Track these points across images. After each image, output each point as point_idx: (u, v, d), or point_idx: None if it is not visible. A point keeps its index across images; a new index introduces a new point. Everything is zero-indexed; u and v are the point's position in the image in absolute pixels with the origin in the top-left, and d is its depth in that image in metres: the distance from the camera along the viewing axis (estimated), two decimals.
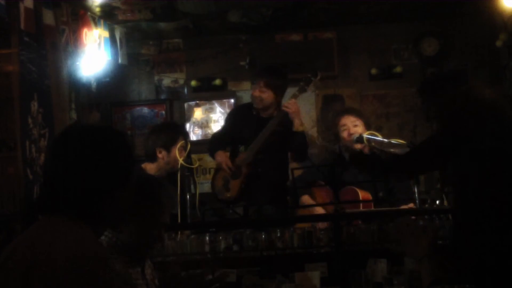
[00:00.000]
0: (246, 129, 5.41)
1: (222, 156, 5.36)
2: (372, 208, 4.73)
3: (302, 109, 7.06)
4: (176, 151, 4.75)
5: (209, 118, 7.42)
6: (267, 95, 5.36)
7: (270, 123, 5.30)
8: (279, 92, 5.42)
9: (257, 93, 5.37)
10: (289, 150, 5.47)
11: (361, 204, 4.74)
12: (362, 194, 4.75)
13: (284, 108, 5.27)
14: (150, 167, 4.80)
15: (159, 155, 4.79)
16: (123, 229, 2.78)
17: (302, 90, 5.33)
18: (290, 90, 5.46)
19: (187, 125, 7.33)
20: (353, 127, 5.03)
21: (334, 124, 5.19)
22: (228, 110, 7.04)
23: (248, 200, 5.19)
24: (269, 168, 5.29)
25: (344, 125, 5.07)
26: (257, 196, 5.19)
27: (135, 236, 2.80)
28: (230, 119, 5.63)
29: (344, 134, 5.05)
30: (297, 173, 4.99)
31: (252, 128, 5.37)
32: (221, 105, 7.40)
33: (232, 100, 7.35)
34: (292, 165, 5.39)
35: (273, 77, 5.41)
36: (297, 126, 5.27)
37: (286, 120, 5.36)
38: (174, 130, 4.89)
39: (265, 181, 5.26)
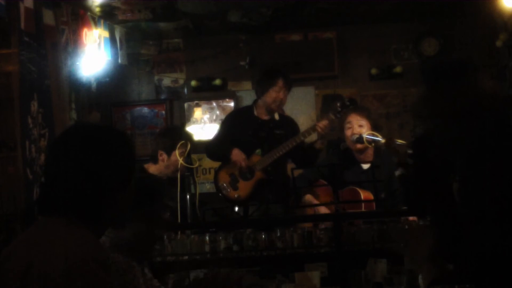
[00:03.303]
0: (248, 132, 5.40)
1: (239, 154, 5.28)
2: (374, 209, 4.73)
3: (302, 109, 7.10)
4: (175, 156, 4.77)
5: (209, 118, 7.42)
6: (285, 95, 5.42)
7: (296, 137, 5.27)
8: (289, 91, 5.48)
9: (281, 95, 5.37)
10: (297, 159, 5.43)
11: (362, 204, 4.75)
12: (363, 194, 4.75)
13: (317, 128, 5.24)
14: (152, 169, 4.83)
15: (160, 158, 4.82)
16: (126, 228, 2.81)
17: (337, 115, 5.23)
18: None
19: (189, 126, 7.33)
20: (358, 126, 5.02)
21: (341, 119, 5.18)
22: (229, 110, 7.03)
23: (255, 201, 5.21)
24: (275, 170, 5.33)
25: (350, 122, 5.06)
26: (265, 197, 5.21)
27: (139, 235, 2.82)
28: (230, 122, 5.57)
29: (348, 132, 5.06)
30: (297, 172, 4.99)
31: (256, 131, 5.39)
32: (221, 106, 7.40)
33: (232, 103, 7.34)
34: (292, 165, 5.40)
35: (288, 76, 5.46)
36: (318, 144, 5.32)
37: (289, 123, 5.47)
38: (177, 135, 4.89)
39: (273, 183, 5.31)
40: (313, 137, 5.50)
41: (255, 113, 5.48)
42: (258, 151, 5.35)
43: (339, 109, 5.24)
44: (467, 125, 2.92)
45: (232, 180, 5.36)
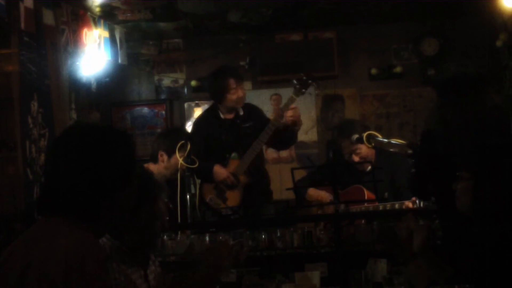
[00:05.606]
0: (219, 137, 5.32)
1: (223, 172, 5.19)
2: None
3: (302, 109, 7.08)
4: (176, 158, 4.74)
5: None
6: (243, 90, 5.34)
7: (264, 132, 5.17)
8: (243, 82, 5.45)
9: (239, 93, 5.27)
10: (276, 143, 5.41)
11: (365, 204, 4.74)
12: (368, 194, 4.75)
13: (289, 118, 5.11)
14: (151, 168, 4.80)
15: (160, 159, 4.81)
16: (122, 232, 2.79)
17: (299, 93, 5.17)
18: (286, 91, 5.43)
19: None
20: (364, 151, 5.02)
21: (346, 146, 5.10)
22: None
23: (246, 205, 5.18)
24: (255, 169, 5.31)
25: (358, 149, 5.03)
26: (255, 200, 5.21)
27: (135, 235, 2.80)
28: (202, 128, 5.42)
29: (355, 159, 5.03)
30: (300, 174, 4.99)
31: (228, 133, 5.32)
32: None
33: None
34: (292, 165, 5.39)
35: (233, 70, 5.49)
36: (296, 128, 5.26)
37: (253, 112, 5.42)
38: (179, 137, 4.86)
39: (257, 183, 5.29)
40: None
41: (221, 115, 5.38)
42: (234, 155, 5.25)
43: (298, 86, 5.15)
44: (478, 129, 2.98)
45: (218, 193, 5.25)
